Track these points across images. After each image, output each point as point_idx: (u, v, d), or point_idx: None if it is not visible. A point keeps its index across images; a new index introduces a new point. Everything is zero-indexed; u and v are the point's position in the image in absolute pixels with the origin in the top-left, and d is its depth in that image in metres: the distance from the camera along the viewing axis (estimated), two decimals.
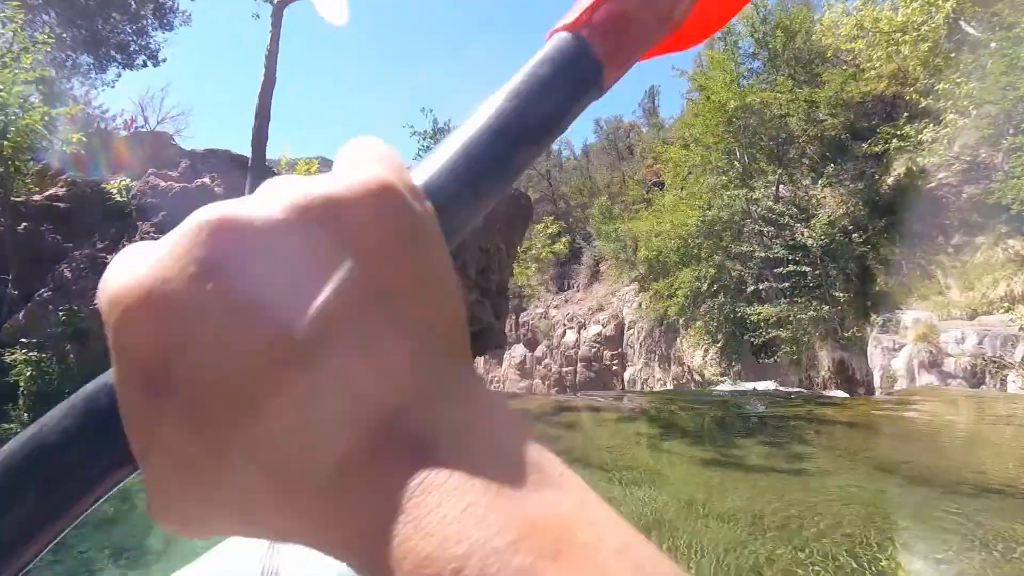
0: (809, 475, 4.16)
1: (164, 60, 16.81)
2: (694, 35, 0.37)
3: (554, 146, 32.76)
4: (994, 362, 11.42)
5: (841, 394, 11.59)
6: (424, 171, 0.25)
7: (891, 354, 13.78)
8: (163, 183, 11.27)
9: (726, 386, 13.25)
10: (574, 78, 0.29)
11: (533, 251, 16.46)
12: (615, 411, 7.45)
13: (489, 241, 10.02)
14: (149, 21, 15.45)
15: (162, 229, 10.41)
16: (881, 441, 5.40)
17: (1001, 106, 12.16)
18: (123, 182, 10.79)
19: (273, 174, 11.86)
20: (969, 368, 11.70)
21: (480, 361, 28.68)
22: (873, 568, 3.08)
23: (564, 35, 0.29)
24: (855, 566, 3.08)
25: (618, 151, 29.76)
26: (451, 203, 0.24)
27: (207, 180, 11.30)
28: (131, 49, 15.59)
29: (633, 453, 4.64)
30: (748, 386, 11.94)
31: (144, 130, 16.66)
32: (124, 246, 0.19)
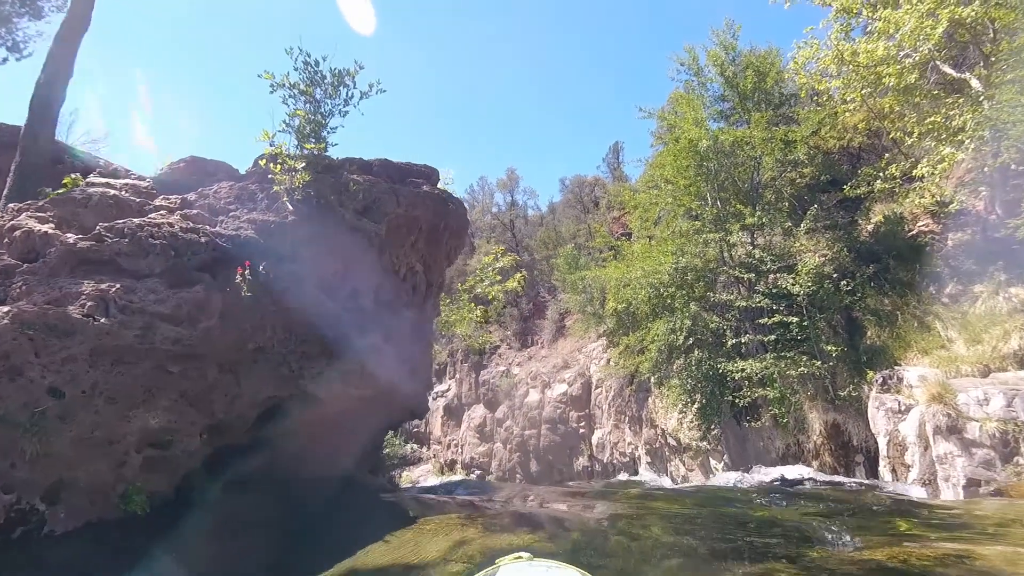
0: None
1: (30, 55, 13.03)
2: None
3: (519, 199, 30.07)
4: None
5: (915, 491, 8.09)
6: None
7: (897, 417, 11.60)
8: None
9: (731, 474, 9.48)
10: None
11: (479, 290, 12.70)
12: (576, 541, 3.63)
13: (397, 257, 6.31)
14: (12, 5, 11.73)
15: None
16: None
17: (1019, 129, 9.43)
18: None
19: (61, 157, 8.40)
20: (998, 435, 9.05)
21: (438, 422, 24.68)
22: None
23: None
24: None
25: (583, 204, 26.99)
26: None
27: None
28: None
29: None
30: (771, 473, 8.27)
31: None
32: None
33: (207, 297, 5.24)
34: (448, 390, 25.72)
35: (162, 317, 4.97)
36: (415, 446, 25.81)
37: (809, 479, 8.05)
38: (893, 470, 10.76)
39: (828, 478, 8.62)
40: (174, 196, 6.25)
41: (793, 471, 8.77)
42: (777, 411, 12.29)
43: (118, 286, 4.92)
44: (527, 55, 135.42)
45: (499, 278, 12.67)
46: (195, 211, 5.95)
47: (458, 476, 22.70)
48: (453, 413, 24.94)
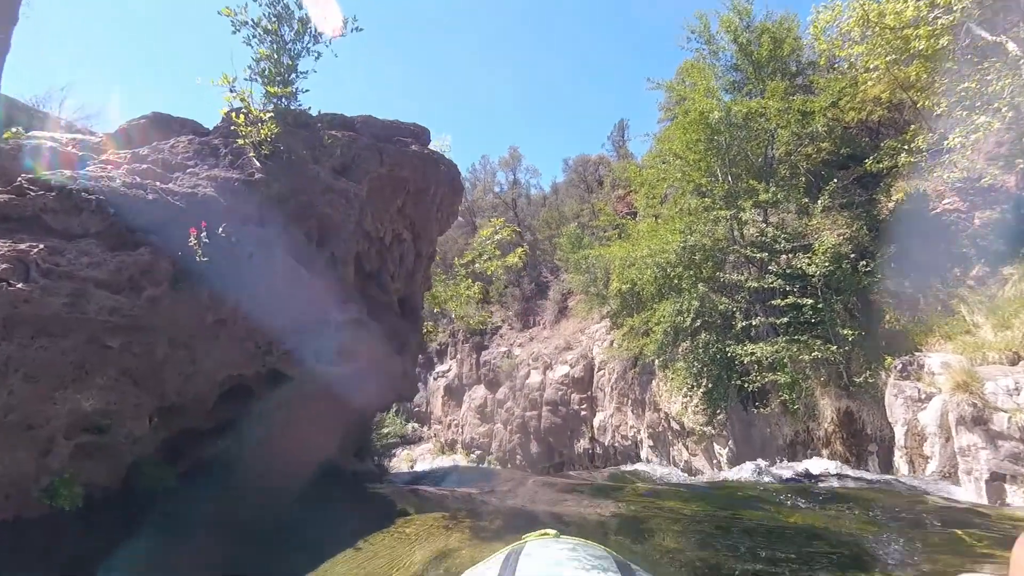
0: None
1: None
2: None
3: (522, 178, 29.09)
4: None
5: (962, 493, 7.32)
6: None
7: (917, 406, 10.02)
8: None
9: (747, 466, 8.69)
10: None
11: (478, 265, 11.79)
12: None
13: (381, 222, 5.51)
14: None
15: None
16: None
17: None
18: None
19: (11, 114, 7.61)
20: None
21: (438, 402, 24.09)
22: None
23: None
24: None
25: (587, 184, 25.91)
26: None
27: None
28: None
29: None
30: (793, 466, 7.50)
31: None
32: None
33: (153, 261, 4.47)
34: (449, 370, 25.13)
35: (97, 283, 4.21)
36: (416, 425, 25.30)
37: (836, 474, 7.26)
38: (910, 461, 10.06)
39: (858, 474, 7.81)
40: (124, 151, 5.46)
41: (818, 465, 7.95)
42: (787, 397, 11.56)
43: (41, 247, 4.14)
44: (531, 31, 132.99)
45: (498, 252, 11.76)
46: (145, 166, 5.16)
47: (459, 455, 22.19)
48: (454, 393, 24.36)
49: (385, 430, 20.69)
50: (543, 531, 0.88)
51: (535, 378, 20.44)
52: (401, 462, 21.98)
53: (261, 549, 4.08)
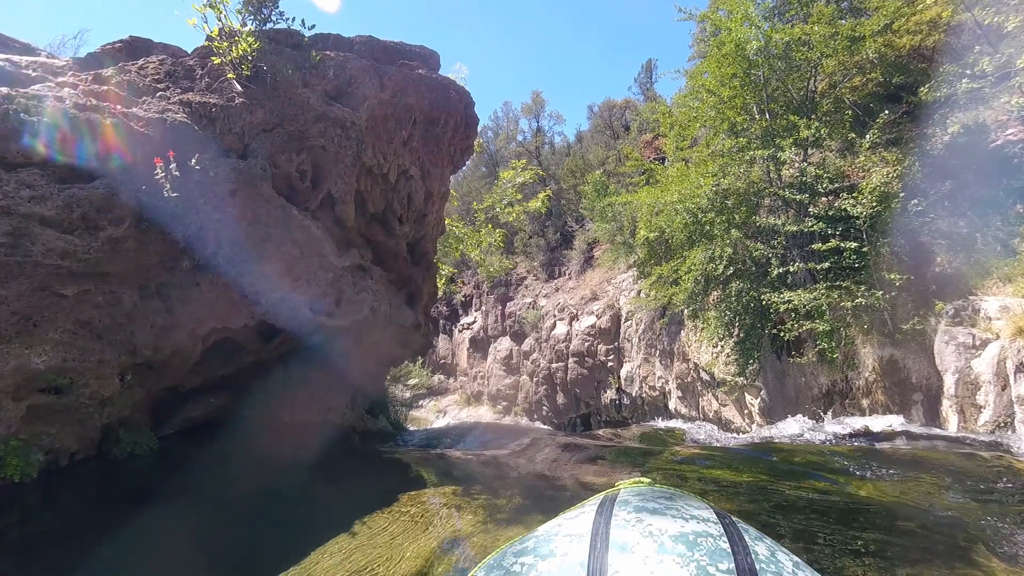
0: None
1: None
2: None
3: (546, 125, 27.62)
4: None
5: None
6: None
7: (970, 353, 8.96)
8: None
9: (794, 423, 7.82)
10: None
11: (498, 210, 10.79)
12: None
13: (384, 156, 4.63)
14: None
15: None
16: None
17: None
18: None
19: None
20: None
21: (464, 354, 23.62)
22: None
23: None
24: None
25: (613, 130, 24.34)
26: None
27: None
28: None
29: None
30: (849, 423, 6.65)
31: None
32: None
33: (111, 196, 3.71)
34: (474, 322, 24.63)
35: (43, 221, 3.50)
36: (442, 377, 25.03)
37: (903, 431, 6.32)
38: (960, 411, 9.25)
39: (926, 431, 6.85)
40: (86, 73, 4.65)
41: (879, 421, 7.00)
42: (826, 345, 10.74)
43: None
44: None
45: (520, 196, 10.70)
46: (106, 88, 4.36)
47: (484, 407, 21.89)
48: (479, 345, 23.92)
49: (412, 382, 20.44)
50: (637, 479, 0.86)
51: (561, 329, 19.82)
52: (429, 412, 21.81)
53: (239, 531, 3.41)
